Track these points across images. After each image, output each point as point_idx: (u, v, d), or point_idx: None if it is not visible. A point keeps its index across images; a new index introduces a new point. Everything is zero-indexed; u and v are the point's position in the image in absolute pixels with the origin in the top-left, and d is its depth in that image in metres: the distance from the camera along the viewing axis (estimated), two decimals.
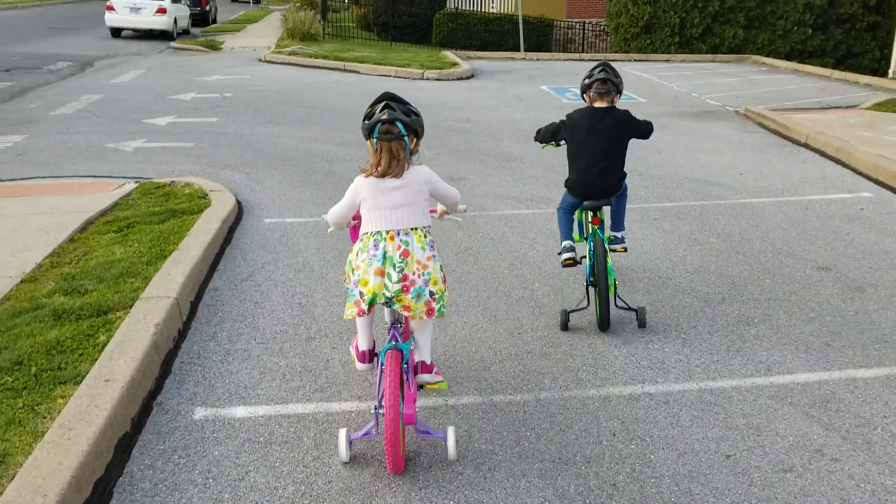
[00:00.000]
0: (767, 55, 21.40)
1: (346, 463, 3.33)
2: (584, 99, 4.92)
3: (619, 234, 5.13)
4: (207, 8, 32.88)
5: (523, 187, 7.89)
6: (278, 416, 3.71)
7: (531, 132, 10.48)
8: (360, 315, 3.34)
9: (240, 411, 3.74)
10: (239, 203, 7.06)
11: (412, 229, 3.31)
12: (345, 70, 17.76)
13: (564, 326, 4.67)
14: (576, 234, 5.08)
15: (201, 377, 4.06)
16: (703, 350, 4.41)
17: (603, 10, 25.07)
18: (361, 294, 3.27)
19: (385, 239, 3.27)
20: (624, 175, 4.88)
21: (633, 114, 4.91)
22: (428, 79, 16.57)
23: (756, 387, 4.01)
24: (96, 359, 3.86)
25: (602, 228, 4.68)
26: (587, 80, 4.84)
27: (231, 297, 5.06)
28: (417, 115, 3.36)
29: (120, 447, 3.40)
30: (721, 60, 21.01)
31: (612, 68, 4.87)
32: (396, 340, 3.36)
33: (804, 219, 6.87)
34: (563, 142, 4.99)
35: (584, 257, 4.84)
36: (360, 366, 3.65)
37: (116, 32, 25.16)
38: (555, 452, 3.43)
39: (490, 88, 15.33)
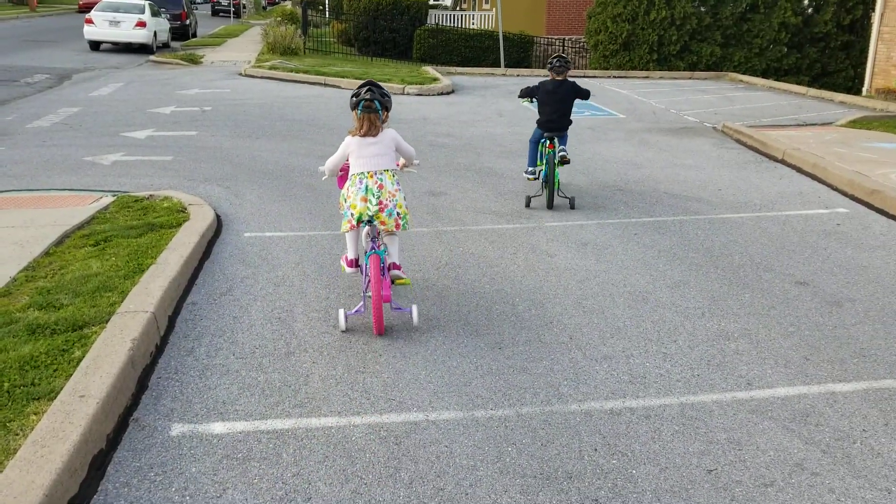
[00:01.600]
0: (744, 72, 21.69)
1: (343, 331, 4.71)
2: (550, 75, 7.93)
3: (564, 147, 7.77)
4: (188, 22, 32.79)
5: (504, 202, 7.90)
6: (257, 431, 3.66)
7: (512, 147, 10.64)
8: (351, 229, 4.85)
9: (218, 427, 3.69)
10: (218, 217, 7.01)
11: (385, 170, 4.76)
12: (325, 85, 17.77)
13: (527, 205, 7.73)
14: (539, 163, 7.97)
15: (179, 393, 4.00)
16: (684, 364, 4.42)
17: (582, 28, 25.29)
18: (352, 214, 4.71)
19: (367, 177, 4.72)
20: (570, 121, 7.94)
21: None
22: (409, 94, 16.61)
23: (736, 401, 4.02)
24: (71, 374, 3.79)
25: (554, 152, 7.61)
26: (549, 66, 7.92)
27: (209, 312, 5.01)
28: (388, 96, 4.89)
29: (95, 464, 3.33)
30: (699, 77, 21.27)
31: (564, 57, 7.95)
32: (375, 249, 4.67)
33: (782, 234, 6.93)
34: (534, 100, 8.04)
35: (541, 170, 7.84)
36: (348, 270, 5.13)
37: (95, 46, 25.00)
38: (536, 468, 3.41)
39: (470, 103, 15.39)
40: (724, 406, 3.97)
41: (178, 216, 6.65)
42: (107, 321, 4.40)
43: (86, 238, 6.06)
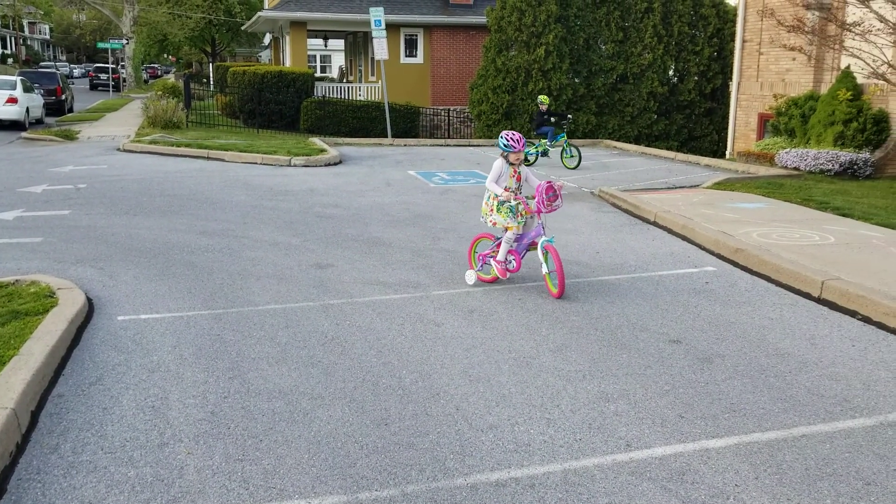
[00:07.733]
0: (618, 139, 22.88)
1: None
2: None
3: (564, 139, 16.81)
4: (63, 97, 31.76)
5: (391, 272, 7.92)
6: None
7: (400, 216, 10.78)
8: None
9: None
10: (90, 301, 6.68)
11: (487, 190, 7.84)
12: (208, 158, 17.49)
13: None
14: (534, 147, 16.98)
15: (40, 495, 3.72)
16: (567, 429, 4.49)
17: (466, 99, 26.12)
18: None
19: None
20: (544, 129, 17.33)
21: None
22: (295, 165, 16.57)
23: (617, 464, 4.10)
24: None
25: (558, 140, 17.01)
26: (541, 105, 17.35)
27: (77, 404, 4.72)
28: (503, 144, 7.49)
29: None
30: (576, 144, 22.21)
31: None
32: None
33: (656, 293, 7.24)
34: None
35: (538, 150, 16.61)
36: None
37: None
38: None
39: (358, 174, 15.48)
40: (606, 469, 4.04)
41: (45, 302, 6.30)
42: None
43: None
